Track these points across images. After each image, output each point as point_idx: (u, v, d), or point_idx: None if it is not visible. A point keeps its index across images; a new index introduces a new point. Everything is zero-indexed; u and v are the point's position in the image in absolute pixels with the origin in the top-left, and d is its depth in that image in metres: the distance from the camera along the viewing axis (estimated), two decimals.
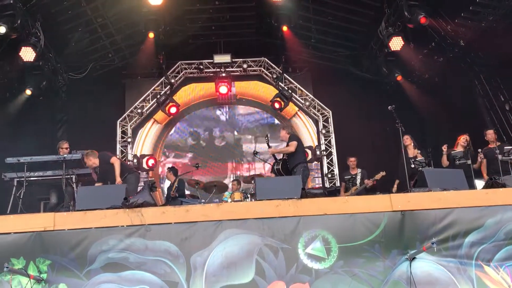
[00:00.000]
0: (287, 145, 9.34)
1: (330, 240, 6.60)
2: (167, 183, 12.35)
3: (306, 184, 9.22)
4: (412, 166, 9.54)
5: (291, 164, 9.25)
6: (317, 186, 14.09)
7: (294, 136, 9.57)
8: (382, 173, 10.60)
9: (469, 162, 9.22)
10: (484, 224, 6.64)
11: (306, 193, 7.06)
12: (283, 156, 9.54)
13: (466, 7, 11.43)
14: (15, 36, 11.13)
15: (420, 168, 8.84)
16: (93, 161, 9.07)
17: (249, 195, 10.08)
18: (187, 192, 11.75)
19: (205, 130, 15.27)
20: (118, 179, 8.76)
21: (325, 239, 6.60)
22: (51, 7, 12.04)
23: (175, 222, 6.70)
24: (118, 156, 9.62)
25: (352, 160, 11.07)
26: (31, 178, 8.59)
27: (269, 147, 10.26)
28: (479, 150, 9.58)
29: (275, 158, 9.77)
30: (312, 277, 6.47)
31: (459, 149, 9.68)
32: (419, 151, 9.96)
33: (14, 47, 11.50)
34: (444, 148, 9.72)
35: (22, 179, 8.35)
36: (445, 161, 9.64)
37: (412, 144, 10.11)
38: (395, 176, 10.30)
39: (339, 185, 13.30)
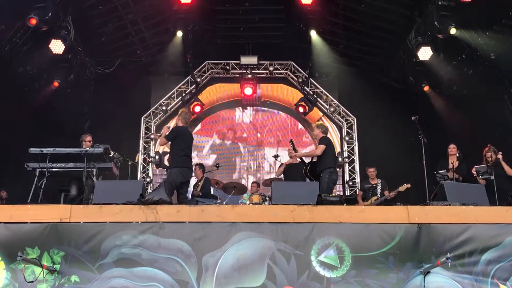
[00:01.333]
0: (317, 148, 9.22)
1: (343, 249, 6.54)
2: (192, 180, 12.31)
3: (332, 190, 9.09)
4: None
5: (319, 168, 9.10)
6: (337, 193, 13.98)
7: (324, 139, 9.27)
8: (407, 185, 10.39)
9: (492, 177, 9.01)
10: (502, 242, 6.51)
11: (322, 200, 7.00)
12: (312, 159, 9.47)
13: (499, 20, 11.23)
14: (46, 29, 11.31)
15: (441, 181, 8.68)
16: (177, 121, 9.13)
17: (267, 198, 10.03)
18: None
19: (228, 131, 15.29)
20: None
21: (339, 248, 6.54)
22: (83, 2, 12.23)
23: (190, 221, 6.71)
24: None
25: (371, 171, 10.94)
26: (53, 169, 8.64)
27: (296, 151, 10.16)
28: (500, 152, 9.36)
29: (303, 162, 9.71)
30: (324, 285, 6.42)
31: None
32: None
33: (44, 39, 11.68)
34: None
35: (44, 169, 8.41)
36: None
37: (456, 155, 9.89)
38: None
39: None
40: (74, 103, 13.94)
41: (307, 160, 9.62)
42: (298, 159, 9.91)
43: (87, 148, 8.83)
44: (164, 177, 13.15)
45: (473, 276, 6.43)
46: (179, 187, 8.38)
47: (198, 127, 15.28)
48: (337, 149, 14.78)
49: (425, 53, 12.43)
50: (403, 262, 6.50)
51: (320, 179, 8.89)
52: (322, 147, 9.01)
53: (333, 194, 8.43)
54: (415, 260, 6.51)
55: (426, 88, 13.90)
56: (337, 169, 14.26)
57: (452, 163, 9.62)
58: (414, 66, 13.51)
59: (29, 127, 12.11)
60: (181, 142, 8.66)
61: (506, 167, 9.32)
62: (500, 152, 9.41)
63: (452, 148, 9.91)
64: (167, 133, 8.76)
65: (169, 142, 8.64)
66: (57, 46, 11.77)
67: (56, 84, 13.12)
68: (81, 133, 9.95)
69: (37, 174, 8.45)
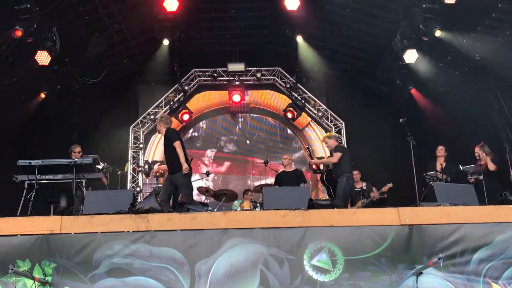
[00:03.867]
0: (332, 155, 9.40)
1: (336, 252, 6.54)
2: None
3: (349, 193, 9.32)
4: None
5: (335, 174, 9.29)
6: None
7: (340, 147, 9.59)
8: (389, 185, 10.50)
9: (481, 177, 9.09)
10: (493, 241, 6.55)
11: (313, 204, 7.01)
12: (328, 166, 9.58)
13: (482, 21, 11.37)
14: (31, 40, 11.25)
15: (431, 182, 8.73)
16: (162, 128, 8.83)
17: (258, 205, 10.04)
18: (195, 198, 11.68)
19: (217, 138, 15.28)
20: (185, 165, 8.39)
21: (331, 251, 6.55)
22: (68, 12, 12.15)
23: (181, 229, 6.70)
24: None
25: (355, 174, 10.95)
26: (42, 181, 8.59)
27: (312, 158, 10.50)
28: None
29: (319, 169, 9.90)
30: None
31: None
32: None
33: (30, 51, 11.62)
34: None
35: (33, 181, 8.35)
36: None
37: (444, 156, 9.97)
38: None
39: None
40: (61, 114, 13.90)
41: (320, 167, 9.81)
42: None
43: (76, 159, 8.76)
44: (154, 186, 13.15)
45: (465, 275, 6.46)
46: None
47: (187, 135, 15.25)
48: (326, 153, 14.81)
49: (410, 56, 12.53)
50: (395, 263, 6.51)
51: (337, 184, 9.09)
52: (338, 154, 9.26)
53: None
54: (407, 261, 6.52)
55: (412, 91, 14.00)
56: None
57: (441, 164, 9.69)
58: (400, 69, 13.59)
59: (17, 139, 12.03)
60: (182, 145, 8.64)
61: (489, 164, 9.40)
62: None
63: (440, 150, 9.99)
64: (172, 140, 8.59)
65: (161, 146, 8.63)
66: (43, 57, 11.70)
67: (42, 95, 13.07)
68: (70, 144, 9.90)
69: (26, 186, 8.39)
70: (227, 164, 15.13)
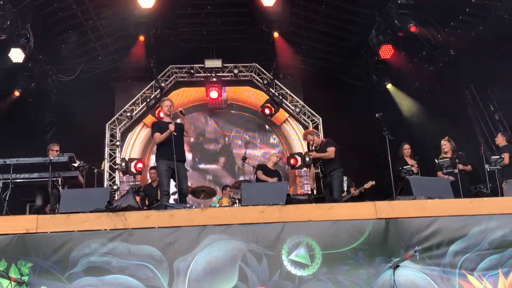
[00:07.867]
0: (325, 150, 9.53)
1: (314, 247, 6.57)
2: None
3: (343, 189, 9.71)
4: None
5: (327, 169, 9.47)
6: (304, 192, 14.09)
7: (331, 142, 9.73)
8: (372, 182, 10.55)
9: (456, 171, 9.23)
10: (468, 233, 6.65)
11: (291, 199, 7.03)
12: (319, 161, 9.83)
13: (456, 16, 11.51)
14: (5, 37, 11.10)
15: (407, 176, 8.82)
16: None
17: (237, 201, 10.04)
18: (174, 197, 11.62)
19: (195, 135, 15.24)
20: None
21: (309, 246, 6.57)
22: (42, 9, 12.03)
23: (159, 227, 6.65)
24: None
25: None
26: (17, 180, 8.47)
27: (310, 151, 10.73)
28: None
29: (314, 164, 10.04)
30: (296, 284, 6.43)
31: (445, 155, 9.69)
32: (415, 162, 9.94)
33: (3, 48, 11.46)
34: None
35: (8, 181, 8.24)
36: None
37: (410, 154, 10.11)
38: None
39: None
40: (36, 112, 13.73)
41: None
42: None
43: (52, 158, 8.67)
44: (131, 183, 13.04)
45: (441, 267, 6.54)
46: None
47: None
48: (304, 149, 14.87)
49: (386, 52, 12.66)
50: (372, 257, 6.56)
51: (332, 179, 9.34)
52: (333, 149, 9.47)
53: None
54: (384, 254, 6.57)
55: (388, 86, 14.12)
56: (305, 168, 14.59)
57: (415, 161, 9.84)
58: (376, 65, 13.71)
59: None
60: None
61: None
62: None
63: (408, 149, 10.10)
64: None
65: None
66: (16, 55, 11.55)
67: (17, 93, 12.85)
68: (45, 142, 9.79)
69: (1, 185, 8.26)
70: (205, 160, 15.12)
